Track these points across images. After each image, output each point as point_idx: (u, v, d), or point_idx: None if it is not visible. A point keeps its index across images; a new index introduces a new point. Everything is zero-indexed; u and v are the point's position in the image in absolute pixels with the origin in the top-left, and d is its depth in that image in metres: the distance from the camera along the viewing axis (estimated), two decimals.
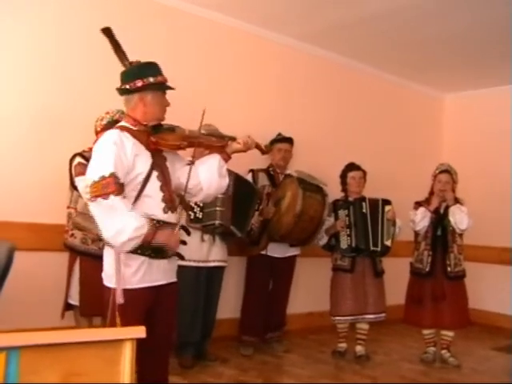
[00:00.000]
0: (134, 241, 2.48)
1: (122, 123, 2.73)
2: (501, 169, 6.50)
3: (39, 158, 4.15)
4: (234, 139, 2.93)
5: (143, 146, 2.64)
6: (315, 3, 4.77)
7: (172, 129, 2.77)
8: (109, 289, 2.58)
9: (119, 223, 2.44)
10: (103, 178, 2.44)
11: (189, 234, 2.86)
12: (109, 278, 2.61)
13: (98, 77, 4.40)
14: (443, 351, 4.82)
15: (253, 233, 4.59)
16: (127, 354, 1.56)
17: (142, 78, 2.64)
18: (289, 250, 4.91)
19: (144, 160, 2.61)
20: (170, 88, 2.74)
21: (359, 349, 4.84)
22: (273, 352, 4.85)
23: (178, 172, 2.83)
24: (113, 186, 2.44)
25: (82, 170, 3.68)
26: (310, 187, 4.62)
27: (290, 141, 5.07)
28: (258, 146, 3.07)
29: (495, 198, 6.43)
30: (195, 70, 4.87)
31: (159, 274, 2.66)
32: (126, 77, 2.69)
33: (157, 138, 2.68)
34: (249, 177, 4.83)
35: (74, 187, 3.77)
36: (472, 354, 5.24)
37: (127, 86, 2.66)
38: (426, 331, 4.87)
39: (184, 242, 2.79)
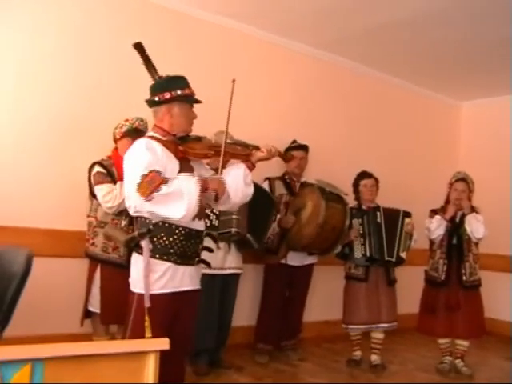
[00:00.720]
0: (198, 197, 2.55)
1: (151, 133, 2.80)
2: None
3: (57, 165, 4.19)
4: (257, 148, 2.97)
5: (172, 155, 2.71)
6: (330, 11, 4.78)
7: (198, 138, 2.84)
8: (133, 294, 2.66)
9: (184, 197, 2.52)
10: (144, 176, 2.52)
11: (215, 241, 2.90)
12: (135, 283, 2.68)
13: (117, 84, 4.45)
14: (457, 360, 4.78)
15: (271, 242, 4.59)
16: (151, 366, 1.56)
17: (170, 90, 2.73)
18: (307, 258, 4.90)
19: (172, 168, 2.67)
20: (197, 101, 2.82)
21: (374, 358, 4.82)
22: (288, 360, 4.83)
23: None
24: (158, 177, 2.53)
25: (101, 179, 3.72)
26: (332, 197, 4.59)
27: (305, 148, 5.07)
28: (280, 155, 3.13)
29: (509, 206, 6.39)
30: (210, 77, 4.89)
31: (184, 279, 2.71)
32: (155, 89, 2.78)
33: (184, 147, 2.75)
34: (265, 185, 4.83)
35: (93, 196, 3.80)
36: (487, 364, 5.19)
37: (155, 98, 2.76)
38: (441, 340, 4.82)
39: (211, 250, 2.88)
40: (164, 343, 1.54)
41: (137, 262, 2.68)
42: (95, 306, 3.81)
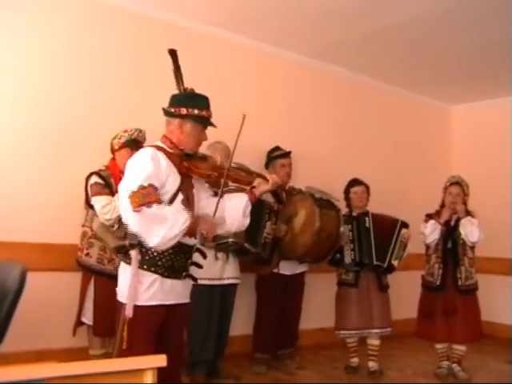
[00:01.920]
0: (181, 234, 2.58)
1: (158, 143, 2.78)
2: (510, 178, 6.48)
3: (50, 178, 4.18)
4: (261, 176, 3.01)
5: (175, 169, 2.70)
6: (320, 20, 4.80)
7: (204, 157, 2.86)
8: (121, 304, 2.64)
9: (166, 226, 2.52)
10: (142, 187, 2.51)
11: (205, 257, 2.90)
12: (122, 293, 2.67)
13: (113, 94, 4.46)
14: (454, 365, 4.77)
15: (267, 245, 4.52)
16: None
17: (188, 106, 2.73)
18: (298, 266, 4.87)
19: (173, 181, 2.67)
20: (212, 125, 2.82)
21: (372, 364, 4.81)
22: (286, 369, 4.81)
23: (203, 202, 2.88)
24: (154, 195, 2.52)
25: (99, 189, 3.71)
26: (324, 203, 4.56)
27: (290, 154, 4.98)
28: (281, 187, 3.21)
29: (504, 208, 6.40)
30: (203, 87, 4.88)
31: (171, 293, 2.70)
32: (174, 101, 2.79)
33: (190, 164, 2.75)
34: None
35: (89, 206, 3.79)
36: (485, 368, 5.17)
37: (172, 110, 2.76)
38: (438, 345, 4.82)
39: (200, 266, 2.86)
40: (161, 360, 1.53)
41: (125, 272, 2.67)
42: (88, 318, 3.79)
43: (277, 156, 4.93)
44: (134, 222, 2.53)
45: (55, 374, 1.40)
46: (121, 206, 2.62)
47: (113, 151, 3.93)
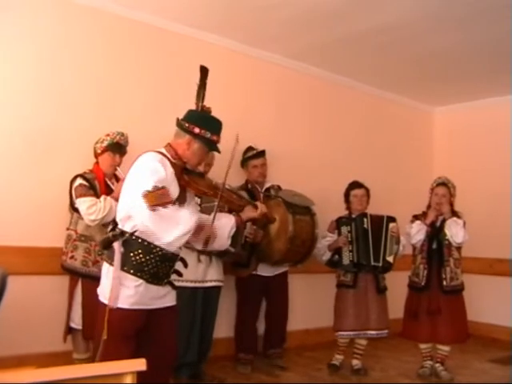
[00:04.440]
0: (188, 236, 2.67)
1: (163, 151, 2.82)
2: (492, 179, 6.57)
3: (34, 181, 4.13)
4: (250, 203, 3.15)
5: (176, 179, 2.76)
6: (303, 22, 4.81)
7: (202, 175, 3.00)
8: (104, 305, 2.67)
9: (181, 227, 2.61)
10: (157, 188, 2.59)
11: (186, 266, 2.96)
12: (105, 293, 2.70)
13: (96, 98, 4.43)
14: (437, 364, 4.79)
15: (245, 248, 4.50)
16: None
17: (202, 128, 2.80)
18: (278, 268, 4.86)
19: (174, 190, 2.73)
20: (217, 150, 2.90)
21: (356, 362, 4.85)
22: (270, 370, 4.81)
23: None
24: (169, 196, 2.61)
25: (84, 191, 3.71)
26: (298, 209, 4.56)
27: (263, 154, 4.94)
28: (266, 216, 3.37)
29: (486, 209, 6.47)
30: (188, 91, 4.87)
31: (154, 298, 2.76)
32: (191, 117, 2.85)
33: (190, 178, 2.82)
34: None
35: (73, 209, 3.77)
36: (469, 367, 5.22)
37: (186, 125, 2.81)
38: (422, 345, 4.84)
39: (180, 274, 2.94)
40: (140, 364, 1.53)
41: (108, 273, 2.72)
42: (77, 323, 3.77)
43: (248, 157, 4.91)
44: (149, 220, 2.58)
45: (34, 379, 1.40)
46: (132, 203, 2.64)
47: (96, 156, 3.93)
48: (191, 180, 2.82)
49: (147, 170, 2.66)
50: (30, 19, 4.18)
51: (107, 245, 2.70)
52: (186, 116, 2.86)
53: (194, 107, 2.92)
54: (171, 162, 2.76)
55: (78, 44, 4.39)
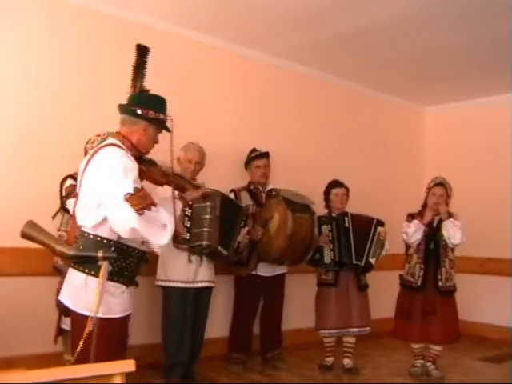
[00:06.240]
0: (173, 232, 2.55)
1: (116, 142, 2.60)
2: (485, 178, 6.61)
3: (23, 181, 4.12)
4: (192, 185, 3.17)
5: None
6: (294, 21, 4.82)
7: (153, 162, 2.80)
8: (85, 317, 2.37)
9: (167, 228, 2.48)
10: (137, 189, 2.40)
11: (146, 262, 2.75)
12: (88, 306, 2.39)
13: (85, 98, 4.41)
14: (428, 363, 4.81)
15: (240, 250, 4.51)
16: None
17: (156, 110, 2.65)
18: (277, 268, 4.90)
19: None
20: (168, 130, 2.71)
21: (347, 361, 4.87)
22: (262, 370, 4.83)
23: None
24: (150, 197, 2.45)
25: (74, 192, 3.66)
26: (298, 207, 4.59)
27: (266, 155, 5.02)
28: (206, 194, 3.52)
29: (477, 208, 6.49)
30: (178, 89, 4.88)
31: (131, 301, 2.64)
32: (140, 101, 2.67)
33: (147, 169, 2.69)
34: (231, 197, 4.81)
35: (64, 210, 3.75)
36: (460, 365, 5.26)
37: (138, 111, 2.62)
38: (415, 345, 4.84)
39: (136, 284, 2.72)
40: (129, 365, 1.53)
41: (89, 284, 2.45)
42: (68, 324, 3.74)
43: (252, 158, 4.99)
44: (139, 225, 2.36)
45: (24, 381, 1.40)
46: (117, 209, 2.38)
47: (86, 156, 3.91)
48: (149, 170, 2.69)
49: (119, 169, 2.42)
50: (16, 19, 4.17)
51: (84, 261, 2.44)
52: (134, 100, 2.66)
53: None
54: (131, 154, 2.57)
55: (65, 43, 4.38)
